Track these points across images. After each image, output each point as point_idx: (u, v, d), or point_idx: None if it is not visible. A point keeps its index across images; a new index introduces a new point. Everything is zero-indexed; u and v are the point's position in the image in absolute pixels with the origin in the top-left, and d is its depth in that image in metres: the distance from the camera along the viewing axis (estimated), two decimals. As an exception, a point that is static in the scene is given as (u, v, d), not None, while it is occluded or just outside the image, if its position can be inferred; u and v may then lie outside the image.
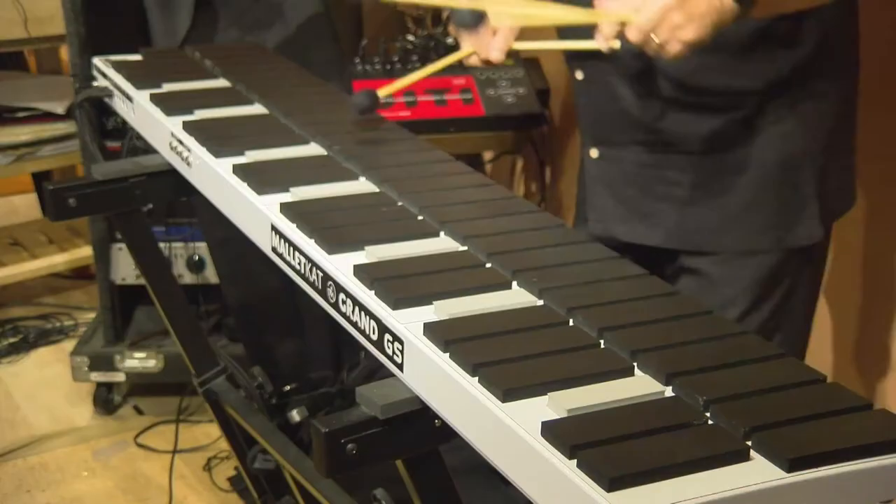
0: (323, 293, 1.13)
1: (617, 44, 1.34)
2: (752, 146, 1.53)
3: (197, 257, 2.77)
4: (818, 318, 1.73)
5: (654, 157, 1.58)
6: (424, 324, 0.98)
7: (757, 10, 1.32)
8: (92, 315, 3.16)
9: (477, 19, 1.43)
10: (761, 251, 1.57)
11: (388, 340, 1.01)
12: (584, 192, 1.71)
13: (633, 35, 1.30)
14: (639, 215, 1.62)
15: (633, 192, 1.62)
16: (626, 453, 0.79)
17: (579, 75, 1.65)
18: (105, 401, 2.85)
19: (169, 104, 1.58)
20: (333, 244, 1.14)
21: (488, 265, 1.12)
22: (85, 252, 3.21)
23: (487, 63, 1.56)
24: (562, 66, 1.78)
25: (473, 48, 1.56)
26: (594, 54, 1.41)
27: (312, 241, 1.16)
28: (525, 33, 1.56)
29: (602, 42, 1.35)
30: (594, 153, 1.65)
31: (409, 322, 0.99)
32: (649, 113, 1.55)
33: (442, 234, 1.19)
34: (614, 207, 1.65)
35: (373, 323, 1.03)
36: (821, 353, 2.08)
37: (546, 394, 0.87)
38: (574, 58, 1.64)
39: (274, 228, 1.23)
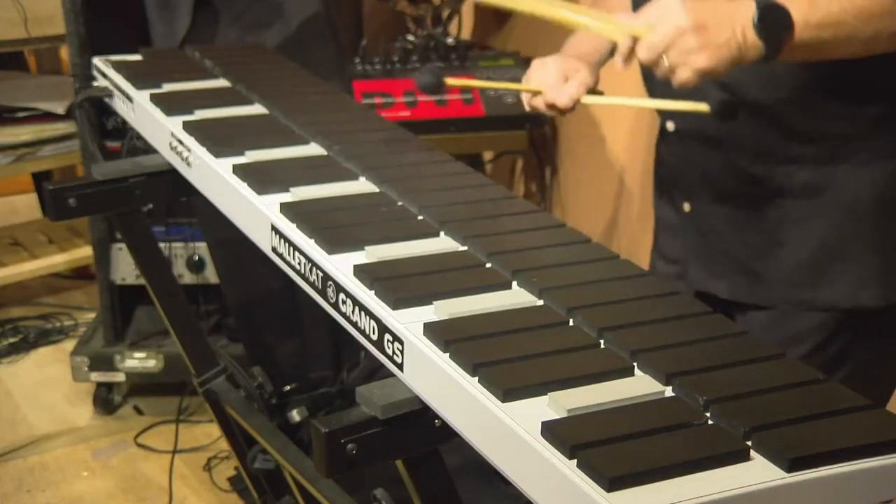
0: (323, 293, 1.13)
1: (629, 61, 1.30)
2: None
3: (197, 257, 2.77)
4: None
5: (750, 209, 1.49)
6: (424, 324, 0.98)
7: (790, 54, 1.26)
8: (92, 315, 3.16)
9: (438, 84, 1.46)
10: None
11: (388, 340, 1.01)
12: (673, 242, 1.62)
13: (642, 52, 1.25)
14: (740, 270, 1.52)
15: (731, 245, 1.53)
16: (626, 453, 0.79)
17: (671, 126, 1.56)
18: (105, 401, 2.85)
19: (169, 104, 1.58)
20: (333, 244, 1.14)
21: (488, 265, 1.12)
22: (85, 252, 3.21)
23: (552, 107, 1.49)
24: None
25: (541, 88, 1.49)
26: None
27: (312, 241, 1.16)
28: (603, 86, 1.56)
29: (617, 57, 1.31)
30: (686, 207, 1.56)
31: (409, 322, 0.99)
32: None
33: (442, 234, 1.19)
34: (712, 261, 1.55)
35: (373, 323, 1.03)
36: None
37: (546, 394, 0.87)
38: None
39: (274, 228, 1.23)
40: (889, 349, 1.50)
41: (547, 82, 1.50)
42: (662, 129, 1.59)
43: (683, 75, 1.24)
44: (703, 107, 1.36)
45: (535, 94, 1.51)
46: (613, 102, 1.60)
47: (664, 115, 1.57)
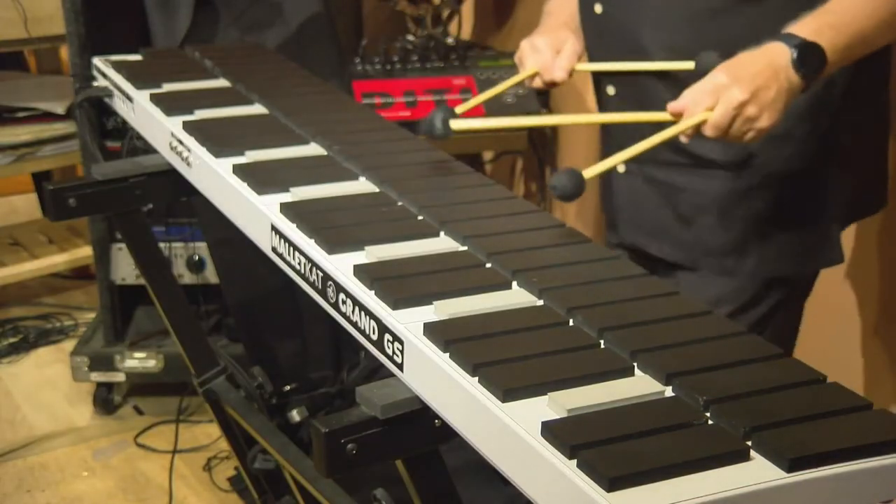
0: (323, 293, 1.13)
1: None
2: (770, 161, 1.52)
3: (197, 257, 2.76)
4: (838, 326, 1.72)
5: (683, 177, 1.58)
6: (424, 324, 0.98)
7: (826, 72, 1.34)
8: (92, 315, 3.16)
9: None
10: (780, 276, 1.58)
11: (388, 340, 1.01)
12: (612, 203, 1.71)
13: (710, 132, 1.32)
14: (663, 232, 1.62)
15: (659, 209, 1.62)
16: (626, 453, 0.79)
17: (611, 90, 1.64)
18: (105, 401, 2.85)
19: (169, 104, 1.58)
20: (333, 244, 1.14)
21: (488, 265, 1.12)
22: (85, 252, 3.21)
23: (551, 84, 1.58)
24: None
25: (536, 69, 1.58)
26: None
27: (312, 241, 1.16)
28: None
29: (682, 137, 1.36)
30: (621, 168, 1.64)
31: (409, 322, 0.99)
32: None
33: (442, 234, 1.19)
34: (640, 222, 1.65)
35: (373, 323, 1.03)
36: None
37: (546, 394, 0.87)
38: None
39: (274, 228, 1.23)
40: (797, 307, 1.66)
41: (541, 62, 1.59)
42: (602, 93, 1.66)
43: (749, 138, 1.32)
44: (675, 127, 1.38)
45: (533, 76, 1.60)
46: (605, 68, 1.64)
47: (603, 79, 1.64)
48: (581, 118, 1.75)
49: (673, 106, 1.35)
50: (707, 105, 1.31)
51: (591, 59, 1.64)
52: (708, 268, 1.58)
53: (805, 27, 1.32)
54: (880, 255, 1.99)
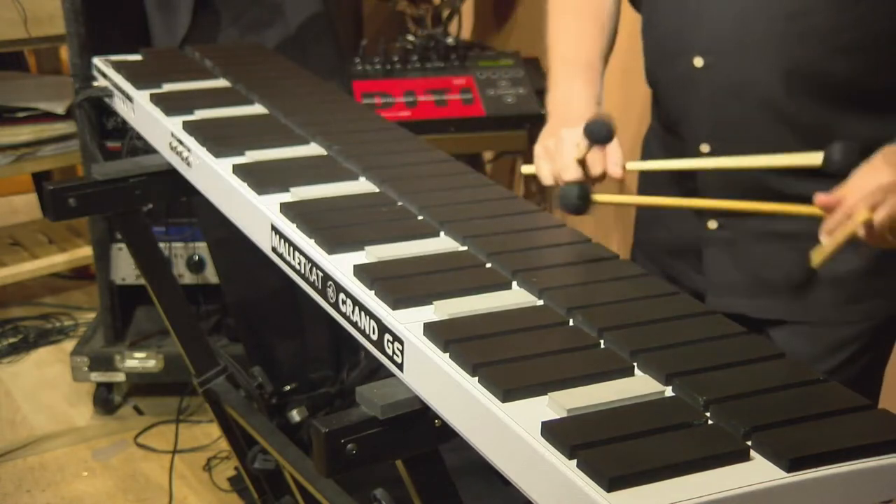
0: (323, 293, 1.13)
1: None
2: None
3: (197, 257, 2.76)
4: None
5: (775, 224, 1.40)
6: (424, 324, 0.98)
7: None
8: (92, 315, 3.16)
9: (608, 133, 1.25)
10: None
11: (388, 340, 1.01)
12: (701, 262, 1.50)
13: (868, 237, 1.15)
14: (772, 288, 1.44)
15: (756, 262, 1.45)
16: (625, 453, 0.79)
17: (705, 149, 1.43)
18: (105, 401, 2.85)
19: (169, 104, 1.58)
20: (333, 244, 1.14)
21: (488, 265, 1.12)
22: (85, 252, 3.21)
23: (601, 177, 1.32)
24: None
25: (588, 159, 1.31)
26: None
27: (312, 241, 1.16)
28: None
29: (824, 236, 1.18)
30: (713, 224, 1.45)
31: (409, 322, 0.99)
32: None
33: (442, 234, 1.19)
34: (739, 280, 1.46)
35: (373, 323, 1.03)
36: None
37: (546, 394, 0.87)
38: None
39: (274, 228, 1.23)
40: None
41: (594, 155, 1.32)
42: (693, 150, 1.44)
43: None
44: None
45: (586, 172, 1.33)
46: (664, 167, 1.47)
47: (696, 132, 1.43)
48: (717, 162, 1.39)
49: (825, 200, 1.16)
50: (870, 205, 1.13)
51: (681, 123, 1.44)
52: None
53: None
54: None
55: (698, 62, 1.37)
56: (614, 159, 1.31)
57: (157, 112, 1.57)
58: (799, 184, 1.31)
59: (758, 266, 1.44)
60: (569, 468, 0.78)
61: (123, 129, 2.36)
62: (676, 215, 1.52)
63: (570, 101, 1.42)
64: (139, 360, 2.77)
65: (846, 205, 1.15)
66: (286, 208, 1.23)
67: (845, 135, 1.25)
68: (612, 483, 0.75)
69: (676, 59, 1.40)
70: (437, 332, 0.96)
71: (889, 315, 1.45)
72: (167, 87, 1.67)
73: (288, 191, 1.28)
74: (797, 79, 1.31)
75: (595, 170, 1.31)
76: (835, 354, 1.43)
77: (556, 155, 1.33)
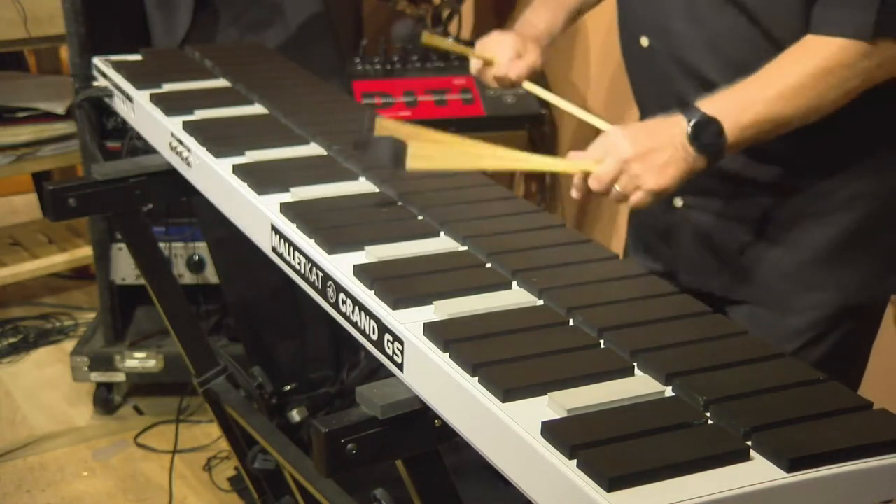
0: (323, 293, 1.13)
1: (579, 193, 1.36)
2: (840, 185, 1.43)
3: (197, 257, 2.76)
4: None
5: (735, 206, 1.49)
6: (424, 324, 0.98)
7: (737, 149, 1.30)
8: (92, 315, 3.16)
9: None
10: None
11: (388, 340, 1.01)
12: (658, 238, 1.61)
13: (594, 185, 1.30)
14: (733, 268, 1.52)
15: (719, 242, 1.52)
16: (626, 453, 0.79)
17: (644, 42, 1.54)
18: (105, 401, 2.85)
19: (169, 104, 1.58)
20: (333, 244, 1.14)
21: (488, 265, 1.12)
22: (85, 252, 3.21)
23: (501, 80, 1.59)
24: (564, 67, 1.73)
25: (494, 58, 1.60)
26: None
27: (312, 241, 1.16)
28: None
29: (573, 191, 1.35)
30: (678, 202, 1.54)
31: (409, 322, 0.99)
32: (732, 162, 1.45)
33: (442, 234, 1.19)
34: (705, 259, 1.54)
35: (373, 323, 1.03)
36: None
37: (546, 394, 0.87)
38: None
39: (274, 228, 1.23)
40: (869, 334, 1.57)
41: (502, 56, 1.61)
42: (636, 45, 1.58)
43: (636, 198, 1.29)
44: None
45: (487, 63, 1.62)
46: (550, 99, 1.65)
47: (638, 29, 1.56)
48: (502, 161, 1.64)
49: (573, 153, 1.35)
50: (597, 157, 1.30)
51: (636, 88, 1.61)
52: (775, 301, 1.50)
53: (712, 103, 1.28)
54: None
55: (644, 41, 1.50)
56: (518, 69, 1.59)
57: (157, 112, 1.57)
58: (753, 166, 1.43)
59: (717, 245, 1.52)
60: (569, 468, 0.78)
61: (123, 129, 2.36)
62: None
63: (528, 20, 1.72)
64: (139, 360, 2.77)
65: (581, 156, 1.32)
66: (286, 208, 1.23)
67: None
68: (612, 483, 0.75)
69: (630, 36, 1.54)
70: (437, 332, 0.96)
71: (841, 306, 1.49)
72: (167, 87, 1.67)
73: (288, 191, 1.28)
74: (734, 68, 1.37)
75: (501, 73, 1.60)
76: (792, 341, 1.48)
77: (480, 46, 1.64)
